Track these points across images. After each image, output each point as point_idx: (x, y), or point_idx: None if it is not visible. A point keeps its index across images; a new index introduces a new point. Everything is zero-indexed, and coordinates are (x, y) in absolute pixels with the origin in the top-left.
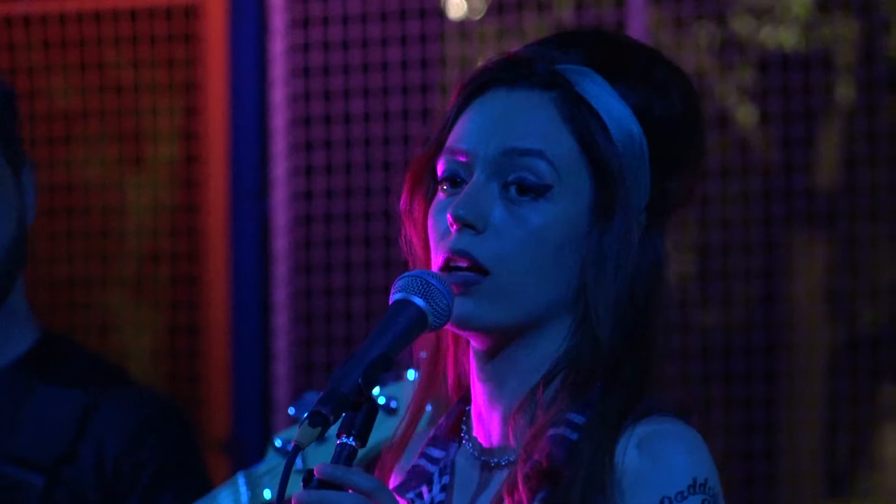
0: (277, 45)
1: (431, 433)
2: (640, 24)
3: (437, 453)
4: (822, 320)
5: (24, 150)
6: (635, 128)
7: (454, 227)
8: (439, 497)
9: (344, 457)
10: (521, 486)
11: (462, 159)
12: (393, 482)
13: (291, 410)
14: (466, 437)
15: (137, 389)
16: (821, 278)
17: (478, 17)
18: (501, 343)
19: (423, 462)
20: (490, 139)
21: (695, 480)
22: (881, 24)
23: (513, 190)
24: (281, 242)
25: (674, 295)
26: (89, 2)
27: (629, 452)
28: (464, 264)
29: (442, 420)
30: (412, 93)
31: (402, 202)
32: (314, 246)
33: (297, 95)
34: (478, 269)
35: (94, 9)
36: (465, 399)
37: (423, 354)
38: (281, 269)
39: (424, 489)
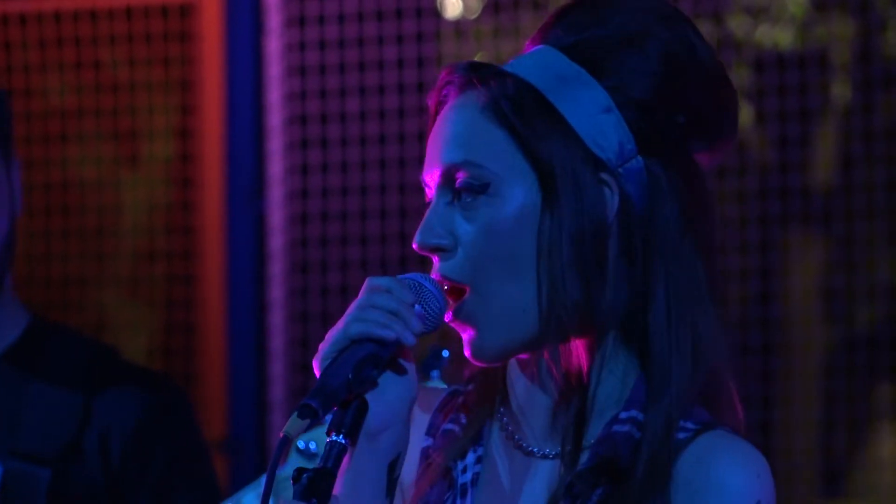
0: (273, 44)
1: (459, 399)
2: None
3: (465, 419)
4: (819, 319)
5: (14, 149)
6: (594, 87)
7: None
8: (475, 468)
9: (334, 455)
10: (585, 479)
11: (425, 184)
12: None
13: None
14: (505, 416)
15: (135, 373)
16: (817, 277)
17: (474, 16)
18: (535, 357)
19: (452, 427)
20: (432, 163)
21: (759, 502)
22: (877, 24)
23: (463, 196)
24: (277, 241)
25: (707, 233)
26: (85, 0)
27: (687, 463)
28: (447, 287)
29: (470, 388)
30: (408, 91)
31: None
32: (310, 244)
33: (292, 94)
34: (458, 291)
35: (90, 7)
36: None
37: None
38: (277, 268)
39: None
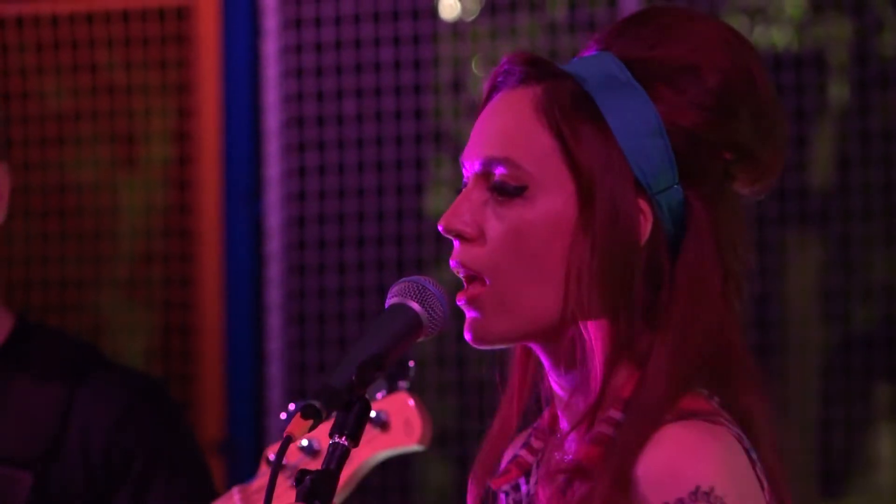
0: (270, 46)
1: (536, 423)
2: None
3: (537, 444)
4: (816, 320)
5: (4, 148)
6: (647, 108)
7: (453, 239)
8: (535, 490)
9: (336, 457)
10: (557, 479)
11: (463, 169)
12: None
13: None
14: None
15: (115, 372)
16: (814, 278)
17: (471, 18)
18: (546, 348)
19: (523, 452)
20: (474, 149)
21: (698, 487)
22: (874, 24)
23: (497, 192)
24: (274, 243)
25: (734, 269)
26: (81, 3)
27: (644, 458)
28: (462, 274)
29: (545, 412)
30: (405, 93)
31: None
32: (307, 247)
33: (289, 96)
34: (472, 278)
35: (87, 10)
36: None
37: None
38: (274, 271)
39: (522, 480)
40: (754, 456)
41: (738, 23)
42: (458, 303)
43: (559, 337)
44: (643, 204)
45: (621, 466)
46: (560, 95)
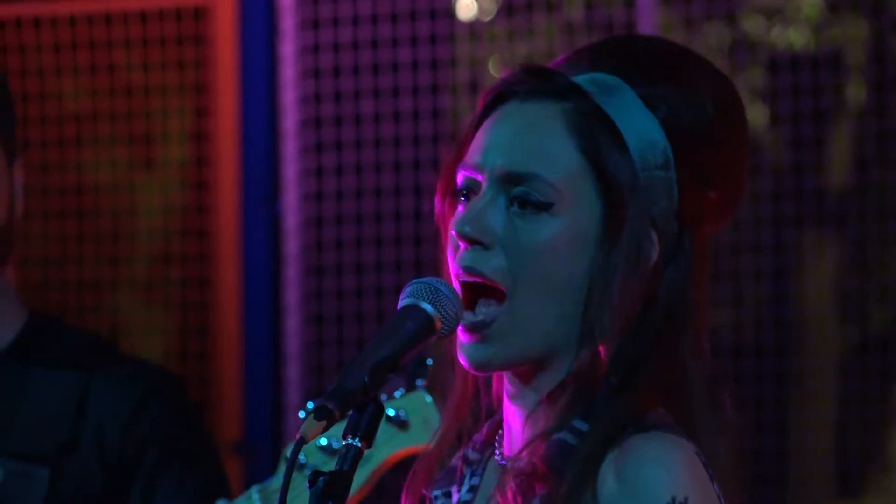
0: (287, 47)
1: (475, 437)
2: (649, 25)
3: (473, 455)
4: (833, 321)
5: (17, 146)
6: (659, 137)
7: (462, 243)
8: (466, 497)
9: (350, 458)
10: (512, 485)
11: (472, 175)
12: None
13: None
14: (498, 444)
15: (129, 365)
16: (831, 279)
17: (488, 18)
18: (529, 369)
19: (458, 462)
20: (496, 158)
21: (674, 498)
22: (891, 25)
23: (517, 205)
24: (292, 244)
25: (708, 302)
26: (99, 4)
27: (606, 468)
28: (473, 280)
29: (485, 426)
30: (422, 93)
31: (436, 210)
32: (325, 247)
33: (307, 97)
34: (490, 290)
35: (104, 11)
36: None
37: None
38: (292, 271)
39: (454, 489)
40: (711, 471)
41: (756, 23)
42: (462, 328)
43: (554, 361)
44: (653, 232)
45: (580, 473)
46: (590, 114)
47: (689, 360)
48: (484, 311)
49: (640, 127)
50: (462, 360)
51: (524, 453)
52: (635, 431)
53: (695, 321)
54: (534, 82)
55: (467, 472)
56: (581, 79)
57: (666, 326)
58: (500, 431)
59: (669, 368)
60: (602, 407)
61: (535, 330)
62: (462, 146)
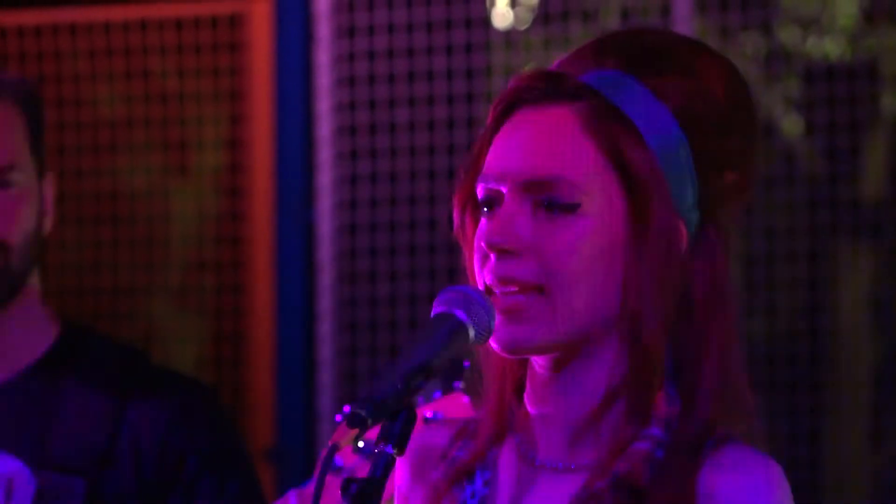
0: (323, 55)
1: (471, 427)
2: (685, 33)
3: (474, 445)
4: (867, 330)
5: (46, 159)
6: (673, 127)
7: (492, 254)
8: (482, 491)
9: (382, 465)
10: (606, 498)
11: (494, 186)
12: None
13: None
14: (518, 438)
15: (163, 378)
16: (866, 288)
17: (524, 27)
18: (561, 358)
19: (460, 454)
20: (516, 167)
21: None
22: None
23: (544, 210)
24: (326, 251)
25: (737, 296)
26: (135, 11)
27: (712, 477)
28: (511, 289)
29: (484, 415)
30: (457, 102)
31: (454, 227)
32: (359, 255)
33: (342, 104)
34: (528, 289)
35: (140, 18)
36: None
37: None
38: (325, 278)
39: (466, 481)
40: None
41: (791, 33)
42: (499, 308)
43: (591, 350)
44: (679, 222)
45: (682, 486)
46: (604, 111)
47: (739, 367)
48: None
49: (653, 118)
50: (494, 345)
51: (619, 465)
52: (714, 444)
53: (734, 317)
54: (544, 87)
55: (477, 465)
56: (588, 78)
57: (710, 321)
58: (511, 421)
59: (724, 372)
60: (679, 417)
61: (571, 316)
62: (478, 158)
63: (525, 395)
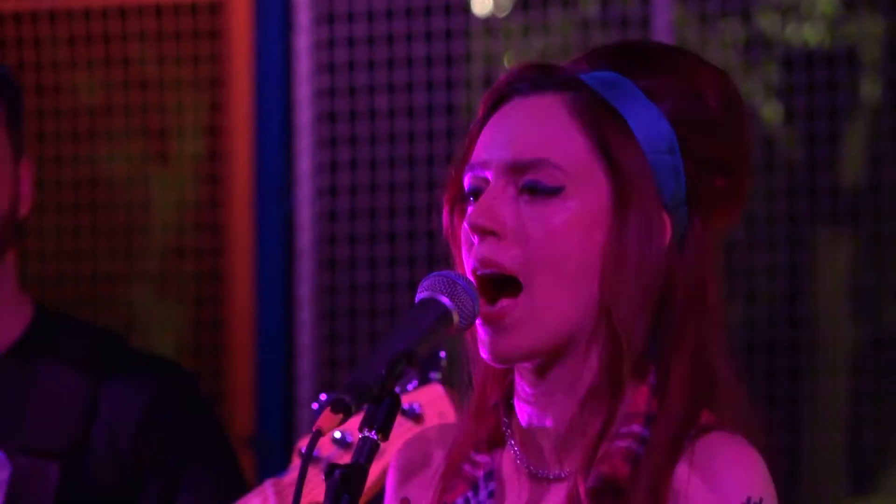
0: (302, 41)
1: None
2: (665, 21)
3: (480, 458)
4: (846, 317)
5: (25, 144)
6: (663, 124)
7: (475, 237)
8: (487, 502)
9: (366, 451)
10: (586, 500)
11: (480, 173)
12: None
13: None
14: (515, 446)
15: (140, 361)
16: (845, 275)
17: (503, 14)
18: (545, 364)
19: (467, 466)
20: (501, 151)
21: (749, 498)
22: None
23: (528, 193)
24: (305, 238)
25: (722, 293)
26: None
27: (683, 470)
28: (490, 272)
29: (482, 425)
30: (437, 89)
31: (443, 224)
32: (338, 242)
33: (321, 91)
34: (507, 280)
35: (119, 4)
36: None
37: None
38: (305, 265)
39: (470, 494)
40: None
41: (771, 20)
42: (480, 321)
43: (573, 352)
44: (663, 215)
45: (657, 481)
46: (593, 101)
47: (722, 357)
48: (502, 304)
49: (643, 114)
50: (483, 354)
51: (601, 467)
52: (697, 434)
53: (716, 314)
54: (534, 78)
55: (479, 476)
56: (582, 76)
57: (688, 317)
58: (508, 429)
59: (706, 365)
60: (658, 410)
61: (554, 317)
62: (467, 151)
63: (515, 406)
